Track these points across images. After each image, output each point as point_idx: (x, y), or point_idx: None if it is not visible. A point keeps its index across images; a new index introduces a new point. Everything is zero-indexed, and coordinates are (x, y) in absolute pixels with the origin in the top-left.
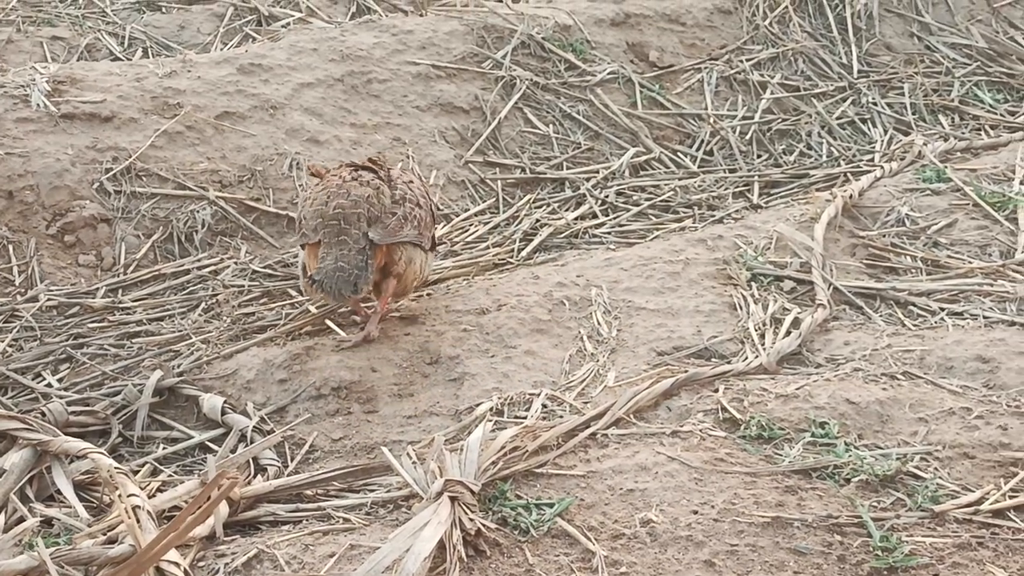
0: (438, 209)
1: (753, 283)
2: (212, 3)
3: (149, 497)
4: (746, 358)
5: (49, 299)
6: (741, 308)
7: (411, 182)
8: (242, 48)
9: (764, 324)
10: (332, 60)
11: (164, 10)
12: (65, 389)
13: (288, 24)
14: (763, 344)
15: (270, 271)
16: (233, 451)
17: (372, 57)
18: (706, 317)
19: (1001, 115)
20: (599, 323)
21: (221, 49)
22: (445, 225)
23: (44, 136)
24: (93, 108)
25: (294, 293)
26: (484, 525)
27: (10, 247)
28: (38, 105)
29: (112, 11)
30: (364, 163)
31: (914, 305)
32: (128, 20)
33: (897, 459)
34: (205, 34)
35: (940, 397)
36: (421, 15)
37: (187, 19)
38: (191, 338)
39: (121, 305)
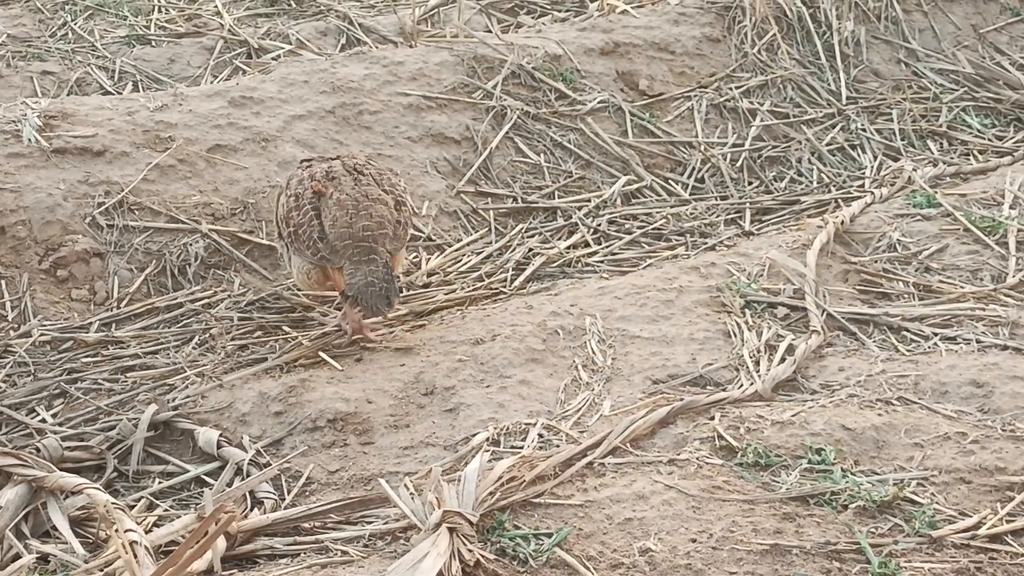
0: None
1: (747, 310)
2: (201, 36)
3: (146, 532)
4: (741, 385)
5: (42, 334)
6: (735, 335)
7: (391, 179)
8: (233, 81)
9: (758, 351)
10: (323, 92)
11: (154, 43)
12: (60, 424)
13: (278, 56)
14: (758, 371)
15: (264, 304)
16: (229, 484)
17: (363, 89)
18: (701, 345)
19: (989, 140)
20: (594, 352)
21: (211, 82)
22: (438, 256)
23: (36, 171)
24: (85, 142)
25: (288, 329)
26: (483, 556)
27: (2, 282)
28: (30, 140)
29: (102, 45)
30: (352, 166)
31: (907, 330)
32: (118, 54)
33: (894, 485)
34: (195, 67)
35: (935, 422)
36: (411, 46)
37: (177, 52)
38: (186, 371)
39: (115, 339)
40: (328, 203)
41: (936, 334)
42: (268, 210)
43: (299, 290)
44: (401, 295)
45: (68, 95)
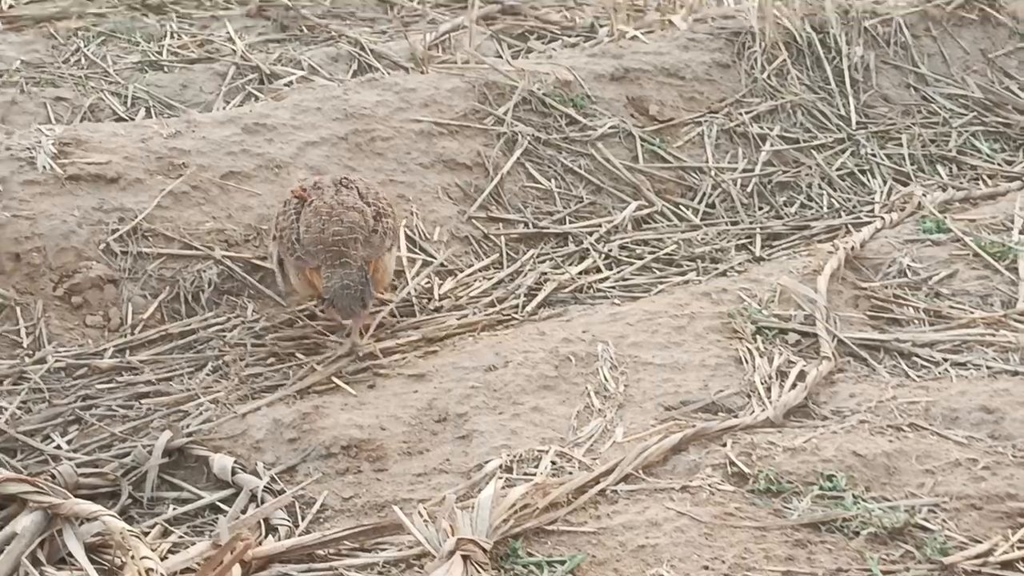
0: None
1: (758, 336)
2: (214, 62)
3: (161, 559)
4: (753, 412)
5: (57, 360)
6: (747, 361)
7: (378, 194)
8: (246, 107)
9: (770, 377)
10: (336, 119)
11: (166, 69)
12: (74, 451)
13: (290, 82)
14: (769, 397)
15: (277, 330)
16: (244, 511)
17: (375, 115)
18: (712, 371)
19: (998, 164)
20: (606, 379)
21: (224, 107)
22: (450, 281)
23: (50, 198)
24: (99, 169)
25: (301, 355)
26: None
27: (17, 309)
28: (44, 167)
29: (115, 71)
30: (340, 180)
31: (918, 356)
32: (131, 80)
33: (905, 511)
34: (208, 92)
35: (946, 448)
36: (423, 72)
37: (189, 78)
38: (199, 398)
39: (129, 365)
40: (306, 210)
41: (946, 360)
42: None
43: (299, 296)
44: (376, 303)
45: (81, 121)
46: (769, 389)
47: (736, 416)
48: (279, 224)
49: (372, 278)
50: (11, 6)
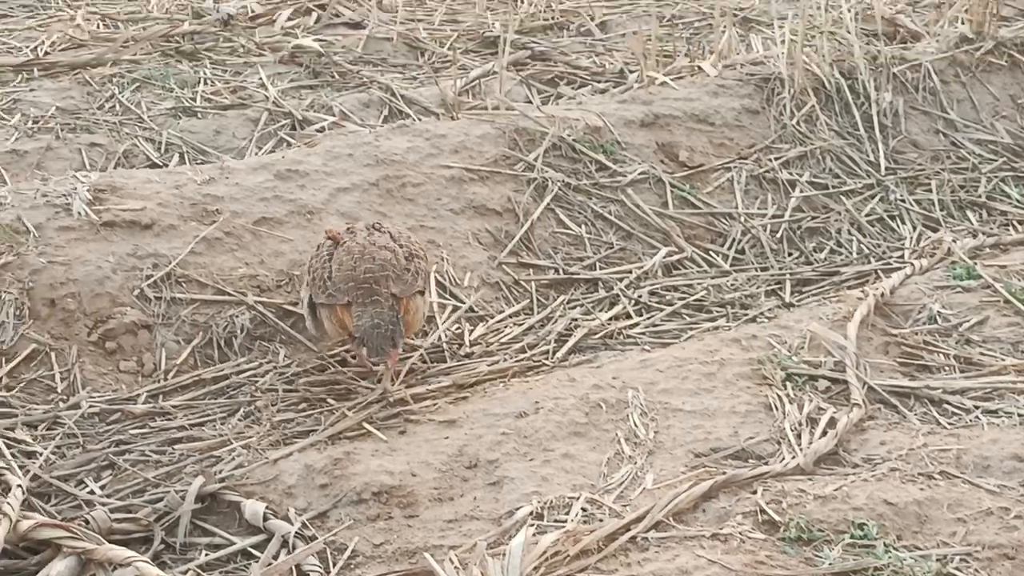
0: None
1: (788, 383)
2: (247, 108)
3: None
4: (783, 459)
5: (91, 406)
6: (777, 408)
7: (410, 238)
8: (279, 154)
9: (800, 424)
10: (367, 165)
11: (200, 115)
12: (108, 496)
13: (322, 128)
14: (800, 444)
15: (309, 375)
16: (275, 557)
17: (406, 161)
18: (742, 418)
19: None
20: (636, 425)
21: (256, 153)
22: (481, 327)
23: (86, 244)
24: (133, 216)
25: (333, 401)
26: None
27: (52, 354)
28: (79, 213)
29: (149, 117)
30: (372, 225)
31: (948, 403)
32: (165, 126)
33: (937, 560)
34: (240, 138)
35: (978, 497)
36: (453, 118)
37: (222, 124)
38: (232, 444)
39: (162, 411)
40: (339, 250)
41: (977, 407)
42: None
43: (330, 339)
44: (407, 348)
45: (116, 167)
46: (799, 436)
47: (766, 463)
48: (311, 266)
49: (403, 320)
50: (47, 53)
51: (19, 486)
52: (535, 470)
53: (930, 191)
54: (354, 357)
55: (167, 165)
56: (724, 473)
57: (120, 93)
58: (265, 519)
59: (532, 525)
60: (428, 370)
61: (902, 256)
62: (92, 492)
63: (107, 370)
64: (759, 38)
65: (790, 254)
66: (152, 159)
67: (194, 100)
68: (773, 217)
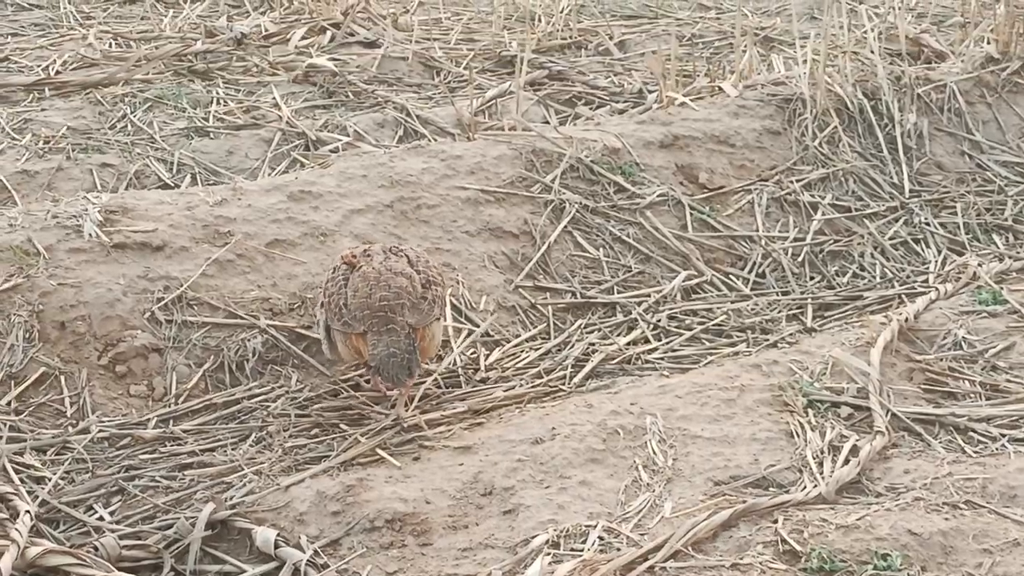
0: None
1: (810, 410)
2: (260, 128)
3: None
4: (804, 487)
5: (100, 430)
6: (798, 435)
7: (428, 262)
8: (292, 175)
9: (822, 452)
10: (382, 186)
11: (212, 135)
12: (117, 522)
13: (336, 148)
14: (822, 473)
15: (321, 400)
16: None
17: (421, 183)
18: (763, 445)
19: None
20: (654, 452)
21: (269, 174)
22: (496, 351)
23: (96, 266)
24: (145, 237)
25: (345, 427)
26: None
27: (62, 378)
28: (90, 235)
29: (161, 137)
30: (390, 248)
31: (974, 431)
32: (176, 146)
33: None
34: (253, 159)
35: (1004, 527)
36: (469, 139)
37: (235, 144)
38: (243, 469)
39: (173, 436)
40: (355, 275)
41: (1004, 435)
42: None
43: (345, 364)
44: (422, 373)
45: (127, 187)
46: (821, 464)
47: (787, 492)
48: (327, 290)
49: (419, 347)
50: (58, 72)
51: (28, 512)
52: (551, 497)
53: (955, 214)
54: (368, 382)
55: (179, 186)
56: (744, 502)
57: (132, 113)
58: (276, 547)
59: (548, 554)
60: (443, 395)
61: (926, 280)
62: (101, 518)
63: (117, 394)
64: (780, 58)
65: (812, 278)
66: (164, 180)
67: (207, 120)
68: (794, 240)
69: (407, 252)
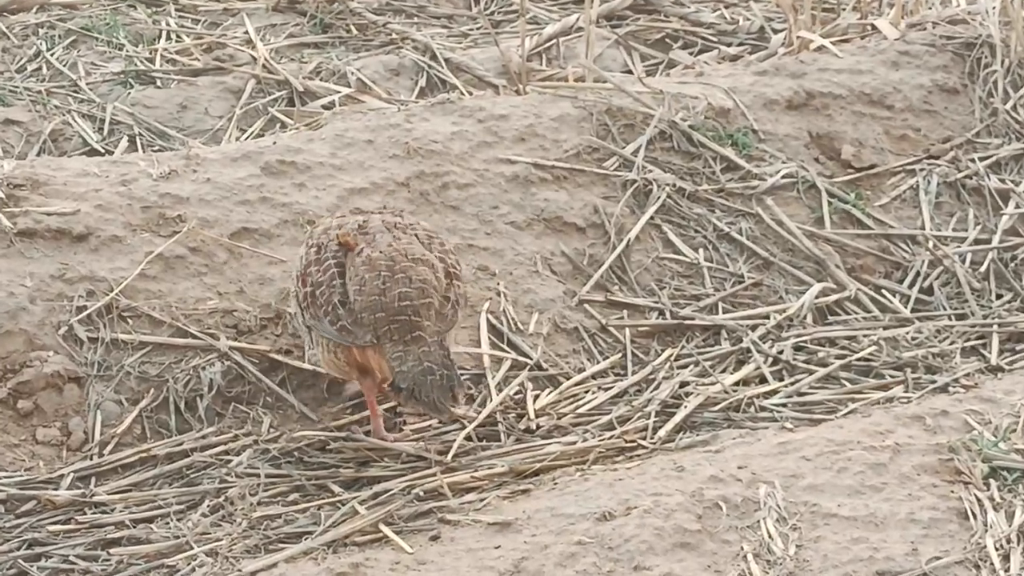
0: None
1: (992, 480)
2: (225, 74)
3: None
4: None
5: None
6: (975, 516)
7: (443, 244)
8: (268, 139)
9: (1008, 541)
10: (394, 156)
11: (159, 83)
12: None
13: (332, 104)
14: (1007, 569)
15: (304, 454)
16: None
17: (449, 152)
18: (924, 529)
19: None
20: (770, 536)
21: (237, 137)
22: (551, 392)
23: None
24: (61, 222)
25: (337, 490)
26: None
27: None
28: None
29: (88, 85)
30: (391, 221)
31: None
32: (109, 97)
33: None
34: (215, 116)
35: None
36: (519, 93)
37: (191, 96)
38: (191, 548)
39: (94, 499)
40: (356, 261)
41: None
42: None
43: (328, 372)
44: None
45: (39, 153)
46: (1007, 557)
47: None
48: (306, 275)
49: None
50: None
51: None
52: None
53: None
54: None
55: (111, 152)
56: None
57: (49, 51)
58: None
59: None
60: (475, 450)
61: None
62: None
63: (19, 440)
64: None
65: (999, 296)
66: (91, 144)
67: (151, 62)
68: (976, 242)
69: (416, 229)
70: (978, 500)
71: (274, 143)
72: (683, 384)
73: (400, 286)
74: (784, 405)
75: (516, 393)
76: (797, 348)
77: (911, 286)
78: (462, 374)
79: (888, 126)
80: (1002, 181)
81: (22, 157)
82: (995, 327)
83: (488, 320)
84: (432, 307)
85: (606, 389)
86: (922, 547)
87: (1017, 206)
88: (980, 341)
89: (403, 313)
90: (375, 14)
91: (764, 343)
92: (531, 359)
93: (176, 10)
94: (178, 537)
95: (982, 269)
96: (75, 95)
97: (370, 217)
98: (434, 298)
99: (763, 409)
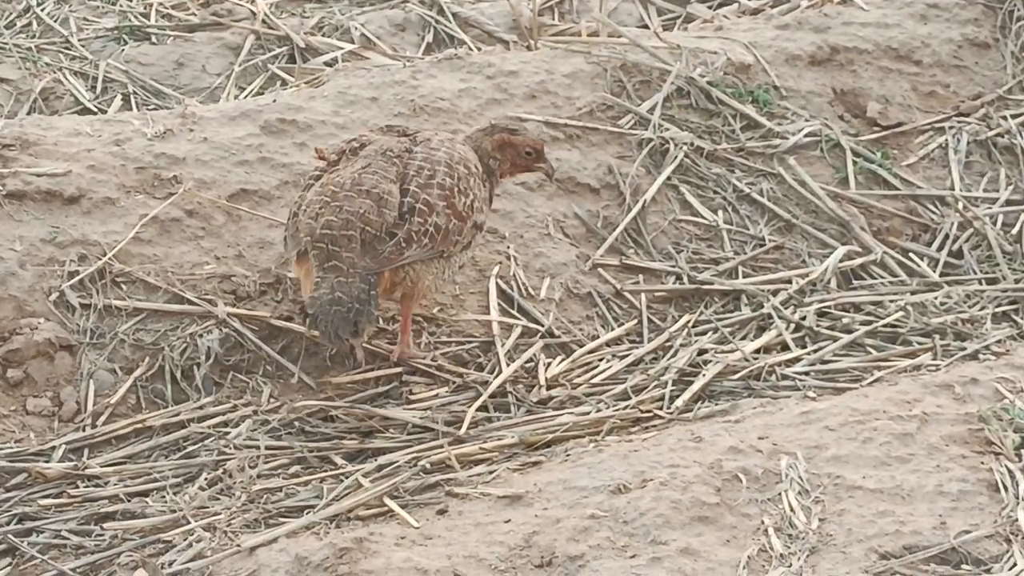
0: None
1: None
2: (223, 29)
3: None
4: (1015, 564)
5: None
6: (1006, 488)
7: (451, 177)
8: (268, 97)
9: None
10: (399, 114)
11: (155, 39)
12: None
13: (335, 60)
14: None
15: (306, 425)
16: None
17: (457, 110)
18: (953, 501)
19: None
20: (792, 509)
21: (236, 95)
22: (563, 359)
23: None
24: (52, 184)
25: (340, 462)
26: None
27: None
28: None
29: (80, 41)
30: (405, 142)
31: None
32: (102, 54)
33: None
34: (213, 74)
35: None
36: (529, 48)
37: (188, 53)
38: (188, 522)
39: (87, 472)
40: (322, 181)
41: None
42: None
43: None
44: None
45: (29, 112)
46: None
47: (989, 570)
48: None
49: (392, 295)
50: None
51: None
52: (639, 571)
53: None
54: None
55: (104, 111)
56: None
57: (39, 5)
58: None
59: None
60: (484, 421)
61: None
62: None
63: (8, 411)
64: None
65: None
66: (83, 102)
67: (146, 17)
68: (1008, 204)
69: (433, 154)
70: (1009, 472)
71: (274, 101)
72: (701, 352)
73: (330, 214)
74: (807, 373)
75: (527, 362)
76: (820, 314)
77: (940, 249)
78: (470, 342)
79: (916, 82)
80: None
81: (11, 116)
82: None
83: (498, 285)
84: (355, 241)
85: (621, 357)
86: (951, 520)
87: None
88: (1012, 306)
89: (322, 241)
90: None
91: (786, 309)
92: (542, 326)
93: None
94: (174, 511)
95: (1014, 231)
96: (67, 52)
97: (379, 139)
98: (357, 231)
99: (785, 377)
